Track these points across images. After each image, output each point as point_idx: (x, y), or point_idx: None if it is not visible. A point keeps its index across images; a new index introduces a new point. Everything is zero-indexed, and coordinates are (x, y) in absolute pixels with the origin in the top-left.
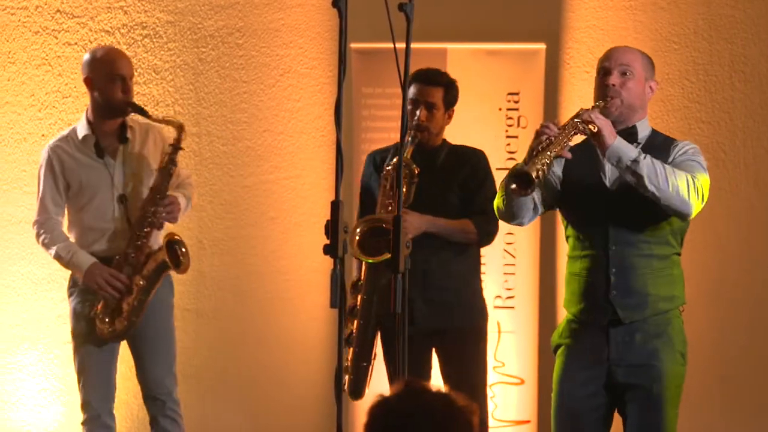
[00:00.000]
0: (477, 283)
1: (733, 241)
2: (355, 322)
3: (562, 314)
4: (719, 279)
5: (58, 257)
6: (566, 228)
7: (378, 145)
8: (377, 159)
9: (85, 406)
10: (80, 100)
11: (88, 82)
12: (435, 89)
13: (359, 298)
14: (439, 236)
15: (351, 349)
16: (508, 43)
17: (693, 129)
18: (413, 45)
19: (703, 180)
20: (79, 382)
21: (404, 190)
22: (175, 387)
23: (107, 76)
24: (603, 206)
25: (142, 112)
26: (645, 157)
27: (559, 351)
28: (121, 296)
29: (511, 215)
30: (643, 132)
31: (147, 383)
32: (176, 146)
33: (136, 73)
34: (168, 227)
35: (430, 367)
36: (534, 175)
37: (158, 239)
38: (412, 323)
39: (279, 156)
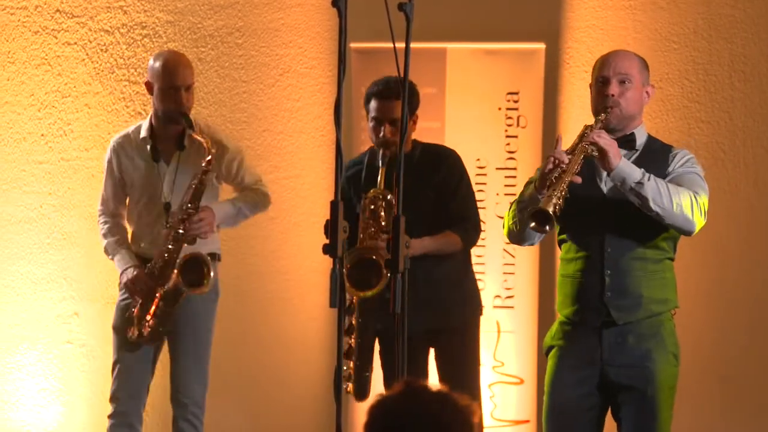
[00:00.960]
0: (467, 282)
1: (732, 241)
2: (353, 337)
3: None
4: (719, 279)
5: (105, 252)
6: (559, 232)
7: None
8: (354, 173)
9: (113, 398)
10: (80, 100)
11: (149, 87)
12: (395, 103)
13: (354, 318)
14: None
15: (352, 362)
16: (508, 43)
17: (692, 129)
18: (413, 45)
19: (704, 196)
20: (112, 372)
21: (383, 214)
22: (203, 393)
23: (162, 86)
24: (599, 211)
25: (189, 123)
26: (649, 179)
27: (552, 353)
28: (144, 303)
29: (523, 240)
30: (641, 138)
31: (175, 384)
32: (206, 168)
33: (135, 73)
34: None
35: (427, 365)
36: (552, 211)
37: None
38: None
39: (278, 156)
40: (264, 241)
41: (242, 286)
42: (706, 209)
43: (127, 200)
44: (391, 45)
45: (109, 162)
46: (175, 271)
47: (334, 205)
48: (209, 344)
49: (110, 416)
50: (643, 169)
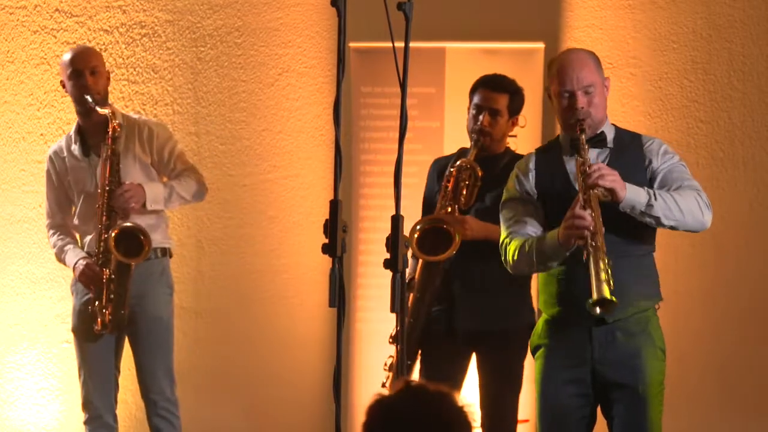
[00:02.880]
0: (524, 289)
1: (730, 240)
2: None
3: None
4: (718, 278)
5: (56, 256)
6: (543, 229)
7: (376, 144)
8: (441, 165)
9: (86, 404)
10: None
11: (63, 85)
12: (500, 96)
13: (411, 296)
14: (492, 243)
15: (397, 347)
16: (507, 43)
17: (691, 128)
18: (412, 44)
19: (700, 187)
20: (79, 379)
21: (465, 192)
22: (172, 387)
23: (67, 76)
24: None
25: (94, 101)
26: (656, 198)
27: (539, 352)
28: (100, 290)
29: (534, 273)
30: (610, 134)
31: (143, 382)
32: (112, 135)
33: (135, 72)
34: (174, 226)
35: (466, 370)
36: (611, 295)
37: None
38: (453, 325)
39: (278, 155)
40: (263, 240)
41: (241, 285)
42: (709, 202)
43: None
44: (390, 44)
45: (48, 173)
46: (111, 244)
47: (333, 204)
48: (170, 337)
49: (86, 422)
50: (646, 188)
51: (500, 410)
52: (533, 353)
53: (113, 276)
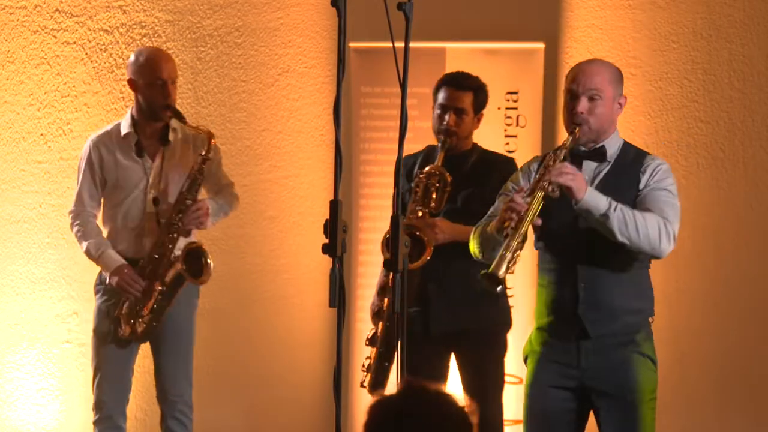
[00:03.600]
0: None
1: (731, 240)
2: (380, 323)
3: None
4: (717, 278)
5: (88, 253)
6: (536, 238)
7: (376, 144)
8: (408, 164)
9: (98, 405)
10: (79, 99)
11: (132, 84)
12: (465, 94)
13: (386, 300)
14: (464, 244)
15: (375, 348)
16: (507, 43)
17: (691, 128)
18: (412, 44)
19: (675, 221)
20: (94, 380)
21: (434, 196)
22: (190, 391)
23: (148, 81)
24: (572, 223)
25: (179, 117)
26: (615, 209)
27: (530, 360)
28: (141, 299)
29: (476, 257)
30: (612, 149)
31: (161, 383)
32: (205, 157)
33: None
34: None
35: (446, 370)
36: (503, 276)
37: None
38: (429, 327)
39: (278, 155)
40: (263, 240)
41: (241, 286)
42: (676, 234)
43: (102, 201)
44: (390, 44)
45: (89, 159)
46: (179, 264)
47: (333, 204)
48: (192, 342)
49: (96, 422)
50: (609, 199)
51: (485, 409)
52: (525, 361)
53: (164, 289)
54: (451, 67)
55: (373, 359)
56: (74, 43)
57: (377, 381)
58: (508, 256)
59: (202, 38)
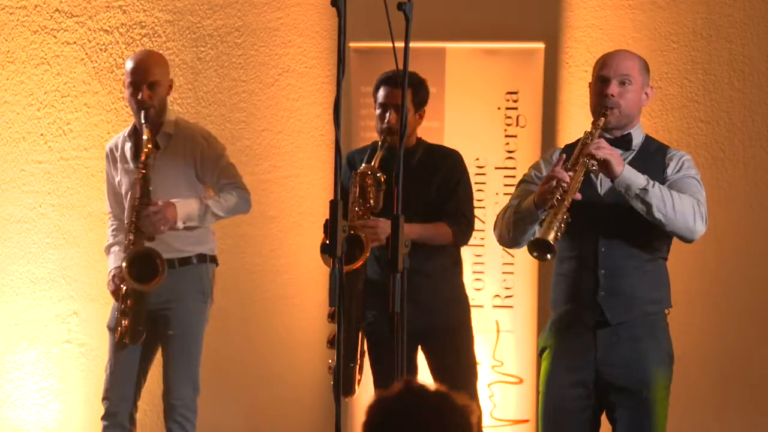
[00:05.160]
0: (456, 278)
1: (730, 240)
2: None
3: None
4: (717, 278)
5: (105, 250)
6: None
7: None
8: (355, 159)
9: (105, 398)
10: (79, 99)
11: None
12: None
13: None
14: (420, 242)
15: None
16: (507, 43)
17: (692, 128)
18: (412, 44)
19: (705, 205)
20: (105, 374)
21: (371, 196)
22: (193, 395)
23: (126, 83)
24: (594, 210)
25: (146, 118)
26: (653, 186)
27: (546, 353)
28: (119, 303)
29: (514, 245)
30: (637, 138)
31: (167, 386)
32: (145, 160)
33: None
34: None
35: (415, 366)
36: (553, 241)
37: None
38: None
39: (277, 155)
40: (263, 241)
41: (241, 286)
42: (706, 218)
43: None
44: (390, 44)
45: (106, 167)
46: (125, 269)
47: (333, 204)
48: (200, 347)
49: (103, 417)
50: (647, 176)
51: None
52: (540, 354)
53: (129, 293)
54: (451, 67)
55: (336, 362)
56: (74, 43)
57: (346, 382)
58: (556, 223)
59: (202, 38)
